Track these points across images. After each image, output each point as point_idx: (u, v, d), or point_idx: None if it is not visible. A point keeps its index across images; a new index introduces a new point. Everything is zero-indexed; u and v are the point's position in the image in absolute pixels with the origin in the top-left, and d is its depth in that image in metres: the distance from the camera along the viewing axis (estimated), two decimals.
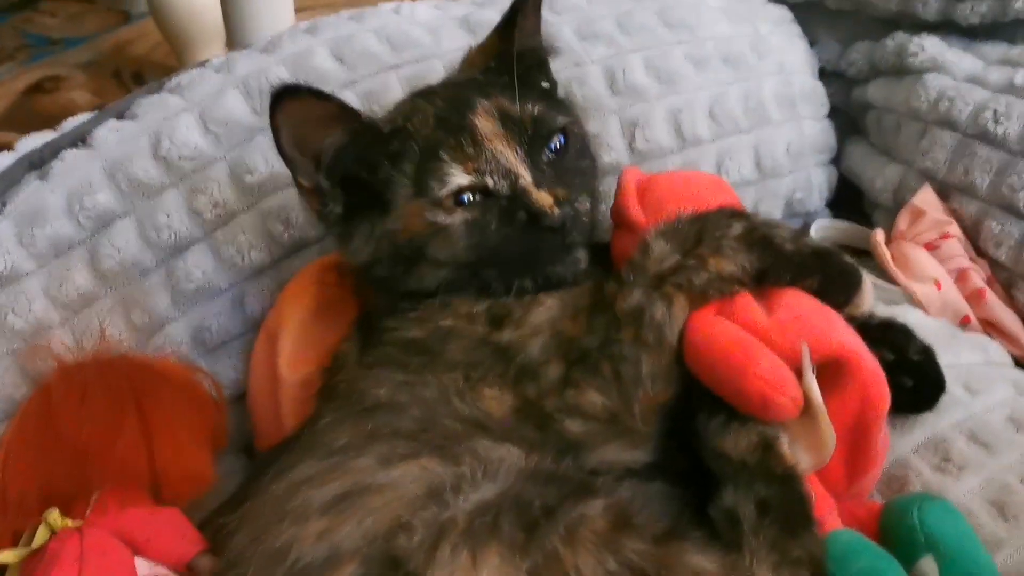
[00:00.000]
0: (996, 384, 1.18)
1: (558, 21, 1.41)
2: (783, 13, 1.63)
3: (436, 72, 1.31)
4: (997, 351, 1.30)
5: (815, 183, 1.57)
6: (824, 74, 1.66)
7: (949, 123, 1.42)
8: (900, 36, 1.55)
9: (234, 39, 1.71)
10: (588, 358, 0.92)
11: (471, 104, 1.04)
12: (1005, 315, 1.37)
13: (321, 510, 0.80)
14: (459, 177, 1.00)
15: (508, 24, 1.12)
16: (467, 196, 1.00)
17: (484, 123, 1.02)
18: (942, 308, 1.35)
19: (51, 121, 1.28)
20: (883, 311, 1.25)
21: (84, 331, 1.17)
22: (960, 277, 1.38)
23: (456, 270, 1.02)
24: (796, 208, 1.56)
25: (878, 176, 1.54)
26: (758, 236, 0.95)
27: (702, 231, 0.95)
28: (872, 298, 0.99)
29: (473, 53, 1.17)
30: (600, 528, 0.76)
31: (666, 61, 1.42)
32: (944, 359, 1.17)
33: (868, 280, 0.98)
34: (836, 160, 1.64)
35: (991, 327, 1.37)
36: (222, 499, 1.06)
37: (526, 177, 1.00)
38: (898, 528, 0.93)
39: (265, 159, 1.23)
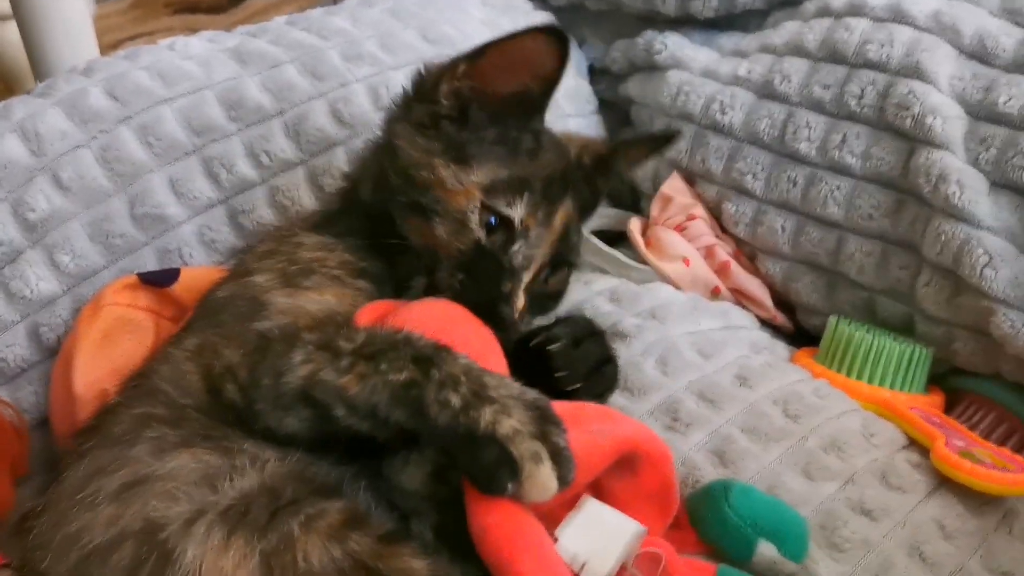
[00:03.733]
0: (729, 346, 1.29)
1: (325, 46, 1.50)
2: (546, 18, 1.74)
3: (208, 103, 1.40)
4: (739, 316, 1.43)
5: None
6: (594, 72, 1.79)
7: (687, 115, 1.56)
8: (649, 34, 1.68)
9: (40, 76, 1.77)
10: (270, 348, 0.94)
11: (563, 196, 1.15)
12: (750, 283, 1.51)
13: (110, 499, 0.85)
14: (518, 212, 1.09)
15: (618, 153, 1.28)
16: (494, 220, 1.09)
17: (558, 219, 1.14)
18: (693, 282, 1.48)
19: None
20: (637, 291, 1.39)
21: None
22: (708, 253, 1.51)
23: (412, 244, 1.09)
24: None
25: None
26: (413, 395, 0.85)
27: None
28: (543, 495, 0.80)
29: (579, 140, 1.30)
30: (334, 522, 0.82)
31: None
32: (684, 328, 1.31)
33: (536, 479, 0.80)
34: None
35: (741, 295, 1.51)
36: None
37: (527, 278, 1.11)
38: (721, 531, 0.98)
39: (46, 197, 1.29)
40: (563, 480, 0.80)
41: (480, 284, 1.07)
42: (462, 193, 1.09)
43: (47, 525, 0.89)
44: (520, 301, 1.09)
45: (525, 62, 1.08)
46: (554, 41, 1.07)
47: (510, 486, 0.79)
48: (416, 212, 1.10)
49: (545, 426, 0.82)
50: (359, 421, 0.87)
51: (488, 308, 1.04)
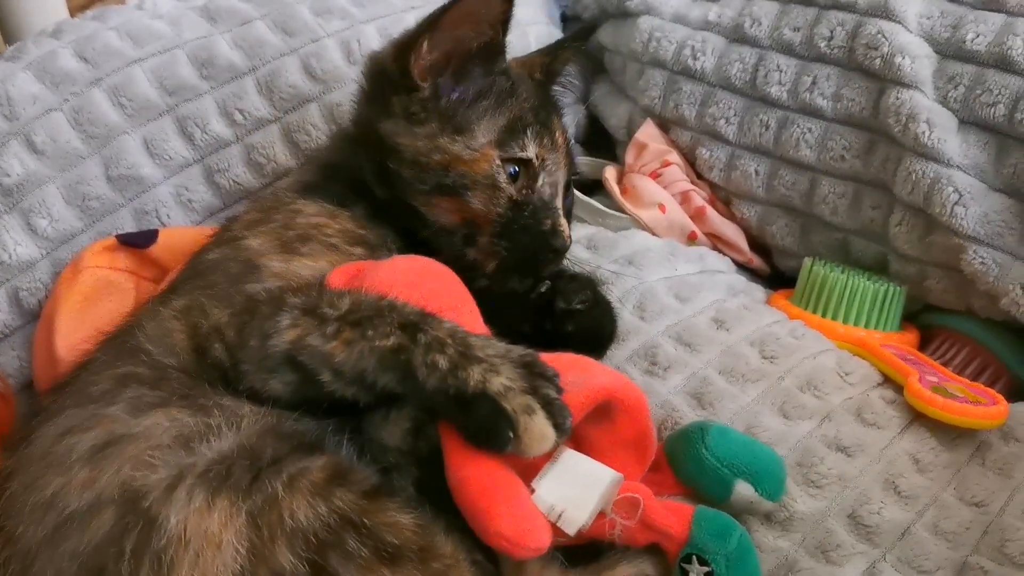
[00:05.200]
0: (705, 290, 1.30)
1: (294, 1, 1.49)
2: None
3: (180, 62, 1.39)
4: (715, 260, 1.44)
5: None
6: (566, 19, 1.78)
7: (658, 62, 1.56)
8: None
9: (9, 40, 1.75)
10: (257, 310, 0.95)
11: (552, 116, 1.19)
12: (726, 227, 1.52)
13: (83, 460, 0.85)
14: (532, 149, 1.13)
15: (556, 58, 1.30)
16: (515, 169, 1.13)
17: (559, 137, 1.19)
18: (669, 228, 1.49)
19: None
20: (614, 238, 1.39)
21: None
22: (683, 199, 1.52)
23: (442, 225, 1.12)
24: None
25: (612, 114, 1.67)
26: (402, 360, 0.87)
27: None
28: (543, 445, 0.83)
29: (517, 62, 1.28)
30: (317, 479, 0.83)
31: (399, 27, 1.49)
32: (661, 273, 1.31)
33: (533, 430, 0.83)
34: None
35: (717, 239, 1.52)
36: None
37: (560, 204, 1.15)
38: (698, 472, 1.00)
39: (20, 162, 1.29)
40: (560, 428, 0.82)
41: (525, 238, 1.12)
42: (481, 158, 1.11)
43: (18, 488, 0.89)
44: (565, 226, 1.14)
45: (476, 15, 1.10)
46: None
47: (511, 442, 0.82)
48: (444, 193, 1.11)
49: (534, 380, 0.84)
50: (345, 387, 0.89)
51: (541, 251, 1.12)
